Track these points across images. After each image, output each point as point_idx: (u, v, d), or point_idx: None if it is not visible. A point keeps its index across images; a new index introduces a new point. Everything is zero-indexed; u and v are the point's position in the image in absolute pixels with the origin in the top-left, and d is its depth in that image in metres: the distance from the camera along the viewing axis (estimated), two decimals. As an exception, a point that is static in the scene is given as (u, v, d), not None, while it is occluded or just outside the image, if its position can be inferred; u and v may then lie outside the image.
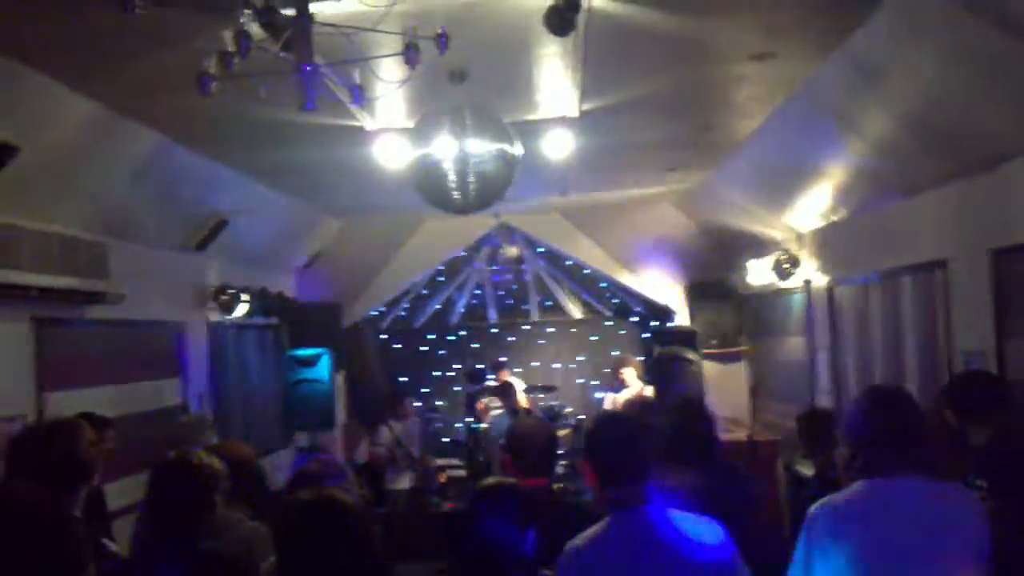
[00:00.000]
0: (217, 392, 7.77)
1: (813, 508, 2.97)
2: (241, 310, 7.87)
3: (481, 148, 4.47)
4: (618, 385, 9.01)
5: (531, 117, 5.65)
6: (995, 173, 4.71)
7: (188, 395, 7.23)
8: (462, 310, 11.93)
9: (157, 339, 6.87)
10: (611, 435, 2.88)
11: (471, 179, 4.47)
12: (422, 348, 12.09)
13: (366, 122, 5.52)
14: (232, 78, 3.20)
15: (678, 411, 4.17)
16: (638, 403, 7.52)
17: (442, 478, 8.74)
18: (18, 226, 4.89)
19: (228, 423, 7.79)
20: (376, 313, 11.34)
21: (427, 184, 4.60)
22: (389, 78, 3.94)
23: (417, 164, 4.56)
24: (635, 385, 8.81)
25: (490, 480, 2.97)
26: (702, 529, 2.72)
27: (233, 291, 7.78)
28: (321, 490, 2.50)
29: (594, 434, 2.95)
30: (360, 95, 3.46)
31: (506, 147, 4.54)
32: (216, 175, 6.63)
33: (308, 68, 3.08)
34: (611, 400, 8.98)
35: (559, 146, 5.85)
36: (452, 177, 4.51)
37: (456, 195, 4.57)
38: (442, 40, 3.18)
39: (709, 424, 4.16)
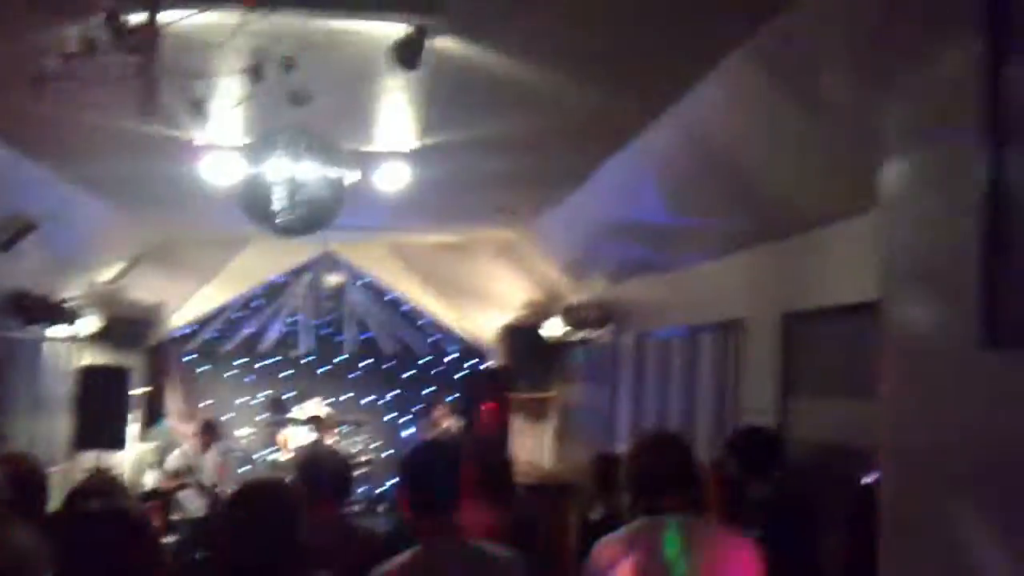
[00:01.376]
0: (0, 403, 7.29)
1: (597, 544, 3.13)
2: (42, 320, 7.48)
3: (313, 173, 4.50)
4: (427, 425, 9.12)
5: (368, 148, 5.68)
6: (792, 240, 5.09)
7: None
8: (275, 336, 11.68)
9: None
10: (430, 462, 2.94)
11: (299, 203, 4.48)
12: (229, 373, 11.76)
13: (196, 136, 5.41)
14: (68, 79, 3.11)
15: (480, 451, 4.29)
16: (447, 438, 7.63)
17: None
18: None
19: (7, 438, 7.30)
20: (187, 332, 10.98)
21: (253, 203, 4.58)
22: (228, 94, 3.91)
23: (246, 182, 4.54)
24: (446, 424, 8.94)
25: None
26: (510, 561, 2.83)
27: (35, 299, 7.38)
28: (111, 501, 2.44)
29: (413, 460, 2.98)
30: (201, 109, 3.42)
31: (338, 174, 4.58)
32: (29, 175, 6.30)
33: (154, 76, 3.04)
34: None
35: (393, 178, 5.90)
36: (280, 198, 4.50)
37: (280, 218, 4.56)
38: (288, 65, 3.20)
39: (508, 466, 4.31)
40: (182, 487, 8.22)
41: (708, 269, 6.31)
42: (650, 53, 4.22)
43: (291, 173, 4.46)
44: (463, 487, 2.93)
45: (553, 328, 9.17)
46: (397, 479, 2.97)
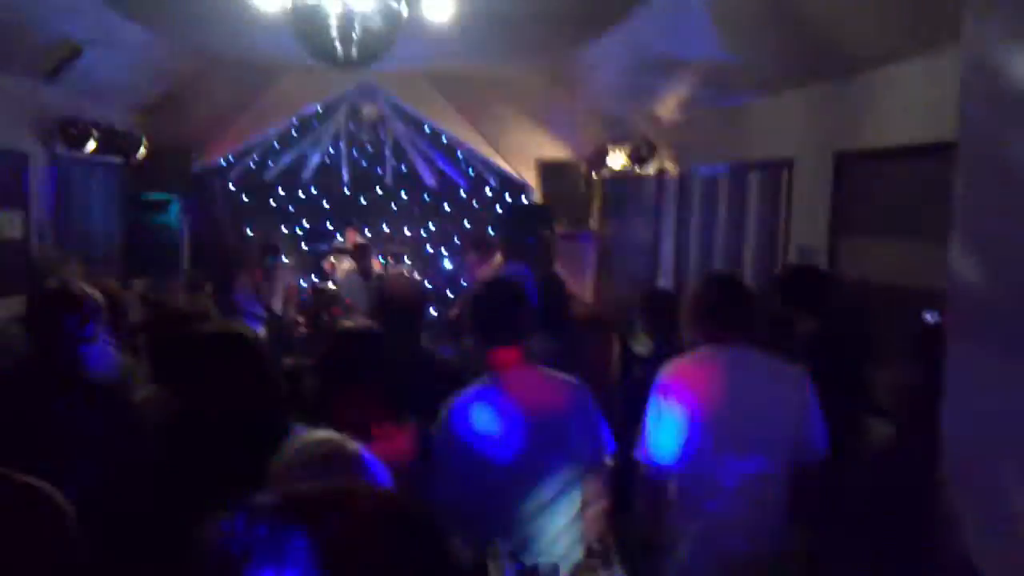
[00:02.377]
0: (58, 228, 7.47)
1: (664, 369, 3.31)
2: (90, 146, 7.53)
3: (368, 3, 4.43)
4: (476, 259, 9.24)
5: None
6: (849, 80, 5.02)
7: (31, 228, 6.94)
8: (315, 167, 11.68)
9: (1, 169, 6.54)
10: (499, 298, 3.10)
11: (356, 33, 4.44)
12: (272, 203, 11.87)
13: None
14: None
15: (544, 285, 4.44)
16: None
17: (299, 332, 8.69)
18: None
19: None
20: (225, 164, 11.01)
21: (310, 33, 4.53)
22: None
23: (301, 11, 4.48)
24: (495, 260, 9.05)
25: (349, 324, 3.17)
26: (572, 386, 2.99)
27: (82, 125, 7.41)
28: (225, 323, 2.55)
29: (485, 297, 3.16)
30: None
31: (392, 4, 4.51)
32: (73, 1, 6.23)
33: None
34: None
35: (439, 9, 5.77)
36: (336, 29, 4.45)
37: (339, 48, 4.52)
38: None
39: (566, 298, 4.46)
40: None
41: (758, 106, 6.23)
42: None
43: (346, 3, 4.39)
44: (530, 321, 3.09)
45: (596, 162, 9.14)
46: (470, 313, 3.11)
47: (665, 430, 3.21)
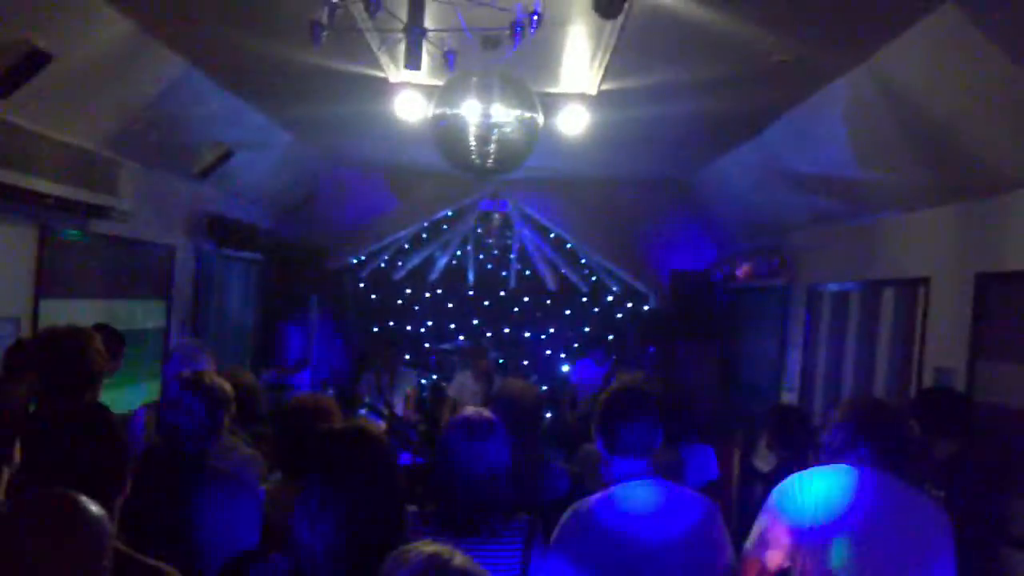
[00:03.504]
0: (197, 319, 7.84)
1: (785, 484, 3.18)
2: (232, 242, 7.94)
3: (506, 114, 4.59)
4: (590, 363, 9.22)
5: (551, 90, 5.76)
6: (991, 200, 4.91)
7: (171, 318, 7.30)
8: (442, 268, 11.97)
9: (150, 260, 6.93)
10: (629, 408, 3.05)
11: (493, 143, 4.60)
12: (398, 301, 12.16)
13: (391, 74, 5.59)
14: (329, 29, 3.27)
15: (667, 395, 4.40)
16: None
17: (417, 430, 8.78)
18: (41, 134, 4.93)
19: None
20: (356, 262, 11.39)
21: (449, 144, 4.72)
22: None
23: (440, 123, 4.67)
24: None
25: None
26: (698, 504, 2.93)
27: (227, 222, 7.83)
28: (352, 421, 2.62)
29: (612, 406, 3.09)
30: (452, 59, 3.59)
31: (530, 115, 4.66)
32: (228, 106, 6.67)
33: (418, 30, 3.18)
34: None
35: (574, 122, 5.95)
36: (473, 139, 4.63)
37: (476, 158, 4.69)
38: (534, 20, 3.28)
39: (690, 410, 4.41)
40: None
41: (893, 223, 6.12)
42: (853, 1, 4.11)
43: (484, 114, 4.56)
44: (657, 433, 3.04)
45: (722, 273, 9.09)
46: (596, 420, 3.08)
47: (774, 547, 3.08)
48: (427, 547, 1.86)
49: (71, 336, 3.60)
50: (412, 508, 2.87)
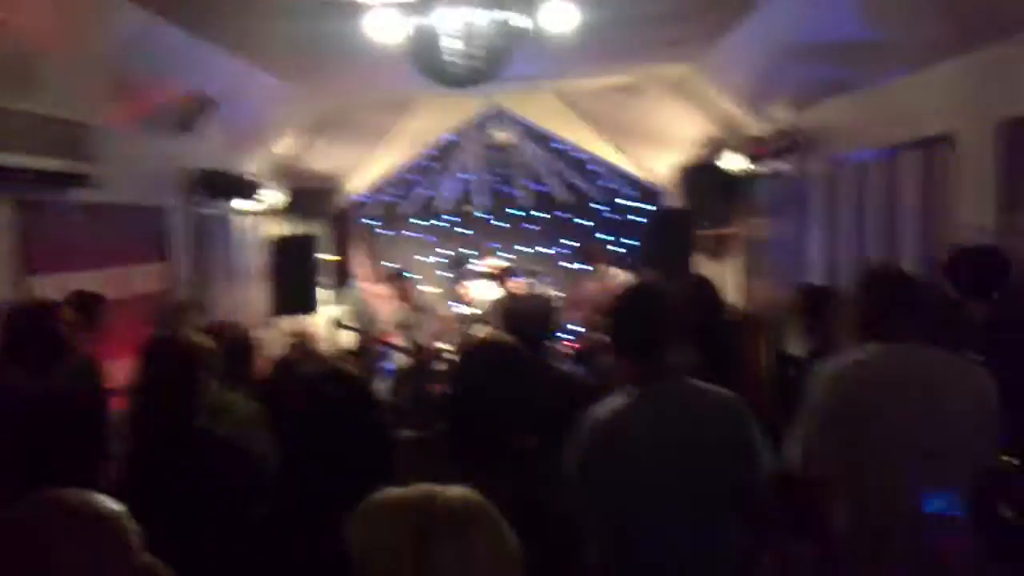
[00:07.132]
0: (202, 276, 7.69)
1: (823, 369, 2.99)
2: (228, 196, 7.78)
3: (480, 19, 4.32)
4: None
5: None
6: (1007, 43, 4.58)
7: (174, 280, 7.15)
8: (450, 195, 11.75)
9: (142, 223, 6.75)
10: (638, 307, 2.87)
11: (469, 51, 4.33)
12: (409, 234, 11.98)
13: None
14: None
15: (694, 290, 4.24)
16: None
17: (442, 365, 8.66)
18: (4, 108, 4.71)
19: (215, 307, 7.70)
20: (365, 197, 11.21)
21: (424, 56, 4.47)
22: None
23: (414, 36, 4.41)
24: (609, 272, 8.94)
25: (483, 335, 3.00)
26: (729, 399, 2.73)
27: (220, 175, 7.65)
28: (328, 364, 2.47)
29: (623, 305, 2.92)
30: None
31: (505, 17, 4.39)
32: (204, 55, 6.40)
33: None
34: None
35: (561, 20, 5.59)
36: (450, 49, 4.36)
37: (452, 68, 4.43)
38: None
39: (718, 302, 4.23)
40: (383, 343, 8.47)
41: (906, 83, 5.79)
42: None
43: (458, 21, 4.28)
44: (675, 329, 2.84)
45: (734, 162, 8.78)
46: (608, 324, 2.88)
47: (826, 435, 2.90)
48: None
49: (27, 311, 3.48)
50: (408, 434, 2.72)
